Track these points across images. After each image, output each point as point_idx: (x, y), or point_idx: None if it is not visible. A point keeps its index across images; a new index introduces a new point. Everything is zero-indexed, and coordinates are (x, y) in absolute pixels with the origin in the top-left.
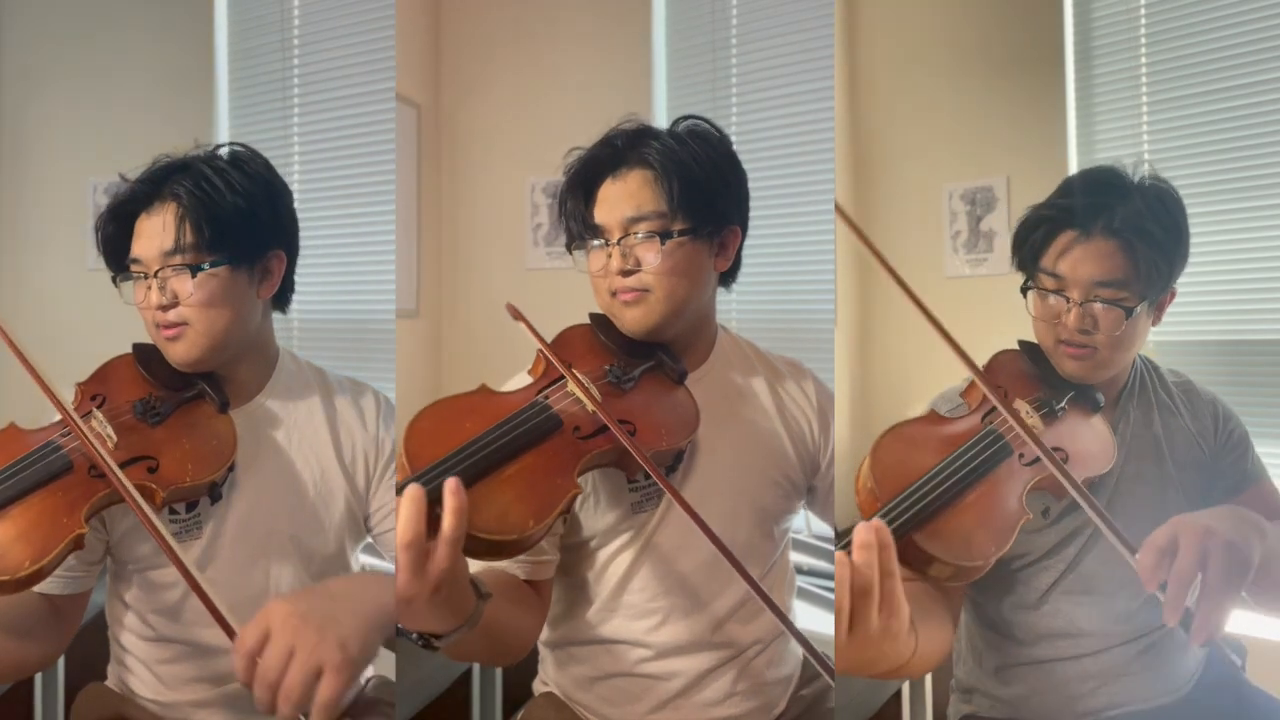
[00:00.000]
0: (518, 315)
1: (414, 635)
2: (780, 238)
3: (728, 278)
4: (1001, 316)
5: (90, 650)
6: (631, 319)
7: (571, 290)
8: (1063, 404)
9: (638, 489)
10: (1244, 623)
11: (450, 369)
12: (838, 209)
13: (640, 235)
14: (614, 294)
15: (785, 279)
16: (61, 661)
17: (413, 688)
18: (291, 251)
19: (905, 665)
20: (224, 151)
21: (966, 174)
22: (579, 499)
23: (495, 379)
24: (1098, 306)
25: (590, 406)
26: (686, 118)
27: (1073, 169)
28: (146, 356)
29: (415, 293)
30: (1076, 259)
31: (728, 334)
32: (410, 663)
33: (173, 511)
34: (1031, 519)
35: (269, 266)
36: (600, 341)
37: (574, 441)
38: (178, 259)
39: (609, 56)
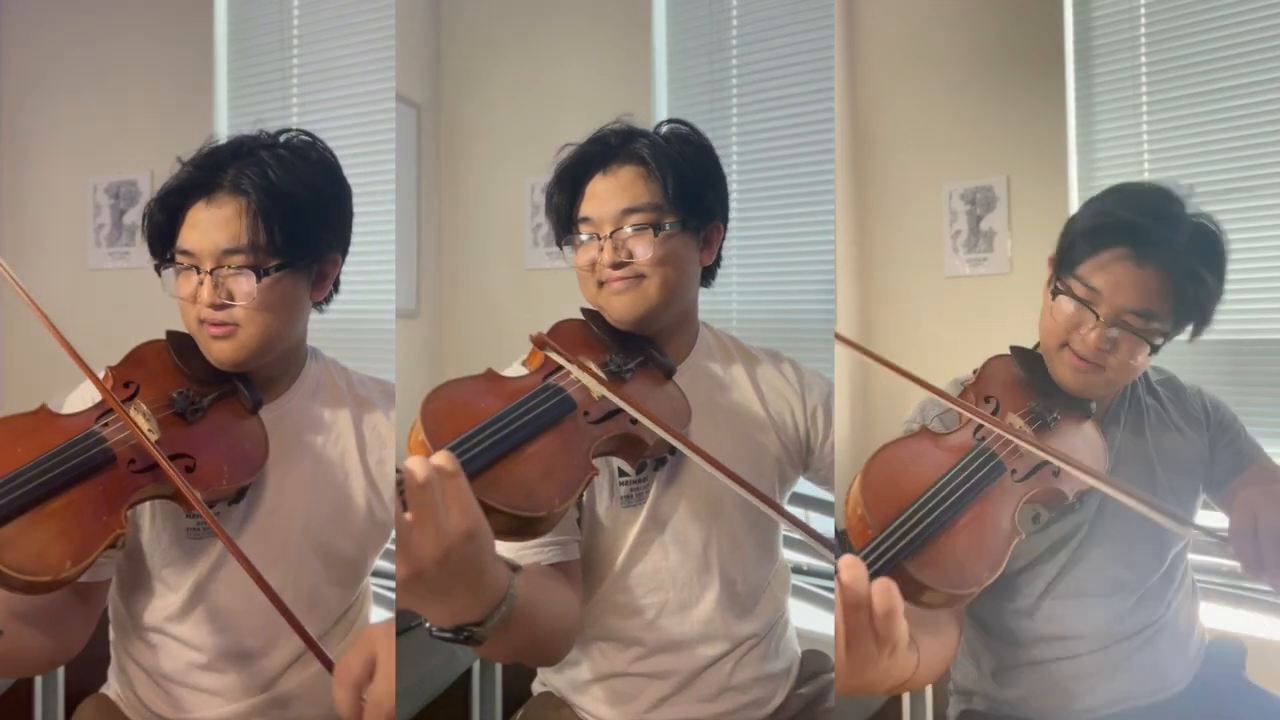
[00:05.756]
0: (544, 343)
1: (458, 633)
2: (780, 238)
3: (708, 275)
4: (1001, 316)
5: (91, 653)
6: (622, 306)
7: (571, 290)
8: (1055, 414)
9: (627, 483)
10: (1244, 623)
11: (450, 369)
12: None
13: (632, 228)
14: (602, 285)
15: (785, 279)
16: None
17: (413, 688)
18: (345, 253)
19: (908, 681)
20: (286, 139)
21: (966, 174)
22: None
23: None
24: (1122, 333)
25: (597, 393)
26: (668, 121)
27: (1073, 169)
28: (180, 345)
29: (415, 293)
30: (1118, 280)
31: (708, 329)
32: (410, 663)
33: (190, 512)
34: (1024, 538)
35: (325, 270)
36: (594, 335)
37: (585, 425)
38: (240, 259)
39: (609, 57)
